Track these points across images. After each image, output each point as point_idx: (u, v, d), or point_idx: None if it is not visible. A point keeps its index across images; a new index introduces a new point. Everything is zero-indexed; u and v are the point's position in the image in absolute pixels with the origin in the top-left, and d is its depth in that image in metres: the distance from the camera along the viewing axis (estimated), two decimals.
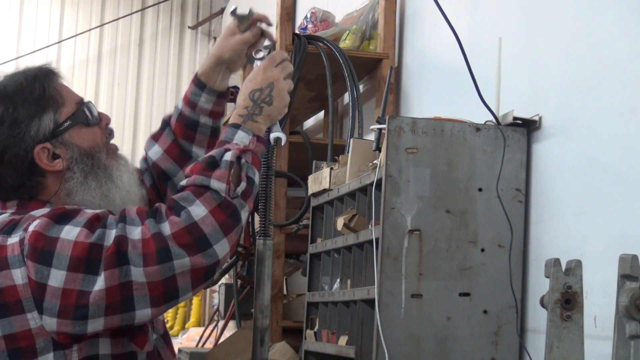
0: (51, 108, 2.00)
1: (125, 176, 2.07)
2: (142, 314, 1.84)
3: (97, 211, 1.90)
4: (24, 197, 2.01)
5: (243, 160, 1.92)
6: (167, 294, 1.83)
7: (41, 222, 1.85)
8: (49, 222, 1.84)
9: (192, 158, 2.27)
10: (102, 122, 2.10)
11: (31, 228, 1.85)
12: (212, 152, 1.94)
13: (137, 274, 1.80)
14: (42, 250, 1.82)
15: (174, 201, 1.86)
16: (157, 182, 2.32)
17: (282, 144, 2.10)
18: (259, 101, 2.04)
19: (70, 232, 1.83)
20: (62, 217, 1.86)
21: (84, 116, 2.05)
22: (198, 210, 1.84)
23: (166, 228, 1.82)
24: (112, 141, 2.14)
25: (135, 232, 1.82)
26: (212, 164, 1.90)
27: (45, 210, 1.91)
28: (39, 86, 2.01)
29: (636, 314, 1.92)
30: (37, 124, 1.98)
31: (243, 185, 1.90)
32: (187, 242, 1.81)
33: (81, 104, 2.06)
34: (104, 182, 2.04)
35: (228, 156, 1.91)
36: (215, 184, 1.87)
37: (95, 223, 1.85)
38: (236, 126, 2.00)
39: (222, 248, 1.85)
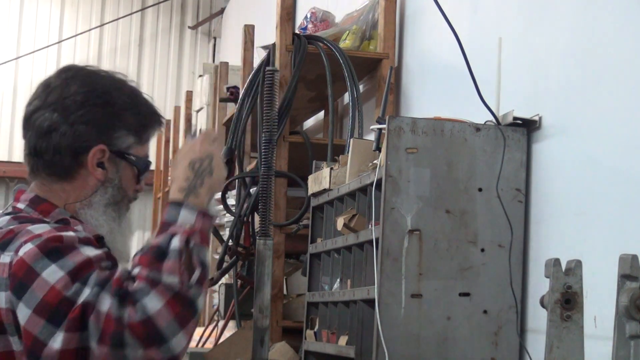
0: (138, 136, 2.08)
1: (124, 225, 2.11)
2: None
3: (92, 254, 1.86)
4: (51, 177, 2.03)
5: (192, 244, 1.85)
6: None
7: (31, 250, 1.83)
8: (38, 254, 1.83)
9: None
10: (139, 185, 2.14)
11: (21, 252, 1.84)
12: (159, 240, 1.85)
13: (94, 346, 1.77)
14: (20, 281, 1.82)
15: (133, 292, 1.79)
16: None
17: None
18: (200, 171, 1.96)
19: (52, 275, 1.80)
20: (53, 253, 1.83)
21: (143, 166, 2.11)
22: (152, 304, 1.77)
23: (125, 315, 1.77)
24: None
25: (104, 304, 1.77)
26: (160, 255, 1.82)
27: (44, 228, 1.90)
28: (148, 117, 2.11)
29: (636, 314, 1.92)
30: (122, 133, 2.05)
31: (197, 273, 1.84)
32: (143, 335, 1.76)
33: (147, 157, 2.13)
34: (118, 219, 2.08)
35: (176, 243, 1.83)
36: (167, 278, 1.80)
37: (81, 272, 1.81)
38: (178, 204, 1.91)
39: (178, 341, 1.80)
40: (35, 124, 2.05)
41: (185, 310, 1.80)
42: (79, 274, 1.80)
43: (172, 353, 1.80)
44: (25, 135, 2.09)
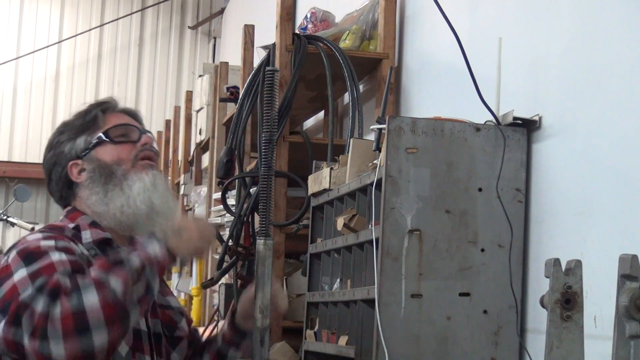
0: (88, 131, 2.33)
1: (138, 185, 2.27)
2: None
3: (57, 259, 2.05)
4: (68, 206, 2.34)
5: (148, 270, 2.03)
6: None
7: (14, 257, 2.08)
8: (17, 259, 2.07)
9: None
10: (139, 142, 2.34)
11: (9, 257, 2.08)
12: (122, 253, 2.07)
13: (26, 341, 1.94)
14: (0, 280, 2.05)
15: (74, 285, 1.97)
16: None
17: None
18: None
19: (19, 275, 2.03)
20: (28, 258, 2.06)
21: (113, 136, 2.32)
22: (91, 298, 1.95)
23: (56, 309, 1.94)
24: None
25: (39, 303, 1.95)
26: (117, 264, 2.02)
27: (34, 237, 2.15)
28: (87, 114, 2.36)
29: (636, 314, 1.92)
30: (72, 145, 2.33)
31: (140, 292, 2.01)
32: (69, 326, 1.92)
33: (115, 125, 2.34)
34: (111, 190, 2.28)
35: (135, 262, 2.02)
36: (114, 283, 1.98)
37: (39, 275, 2.01)
38: (154, 239, 2.10)
39: (102, 341, 1.95)
40: None
41: (118, 318, 1.95)
42: (37, 276, 2.00)
43: (91, 349, 1.93)
44: None
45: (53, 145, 2.37)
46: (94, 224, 2.28)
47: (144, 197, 2.26)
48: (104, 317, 1.94)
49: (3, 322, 1.97)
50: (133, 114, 2.44)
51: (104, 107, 2.38)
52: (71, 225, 2.27)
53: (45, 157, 2.39)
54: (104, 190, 2.28)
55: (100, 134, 2.32)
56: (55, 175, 2.35)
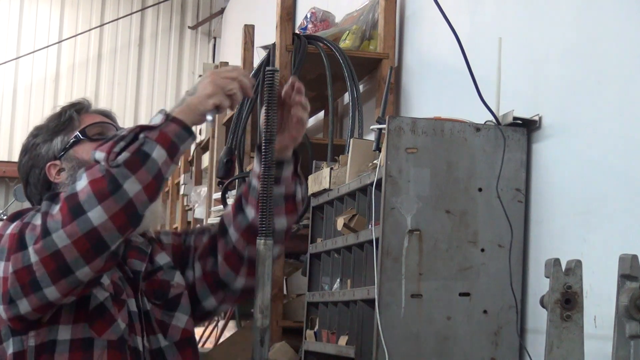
0: (64, 132, 2.29)
1: None
2: (50, 291, 1.95)
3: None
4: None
5: (141, 136, 1.96)
6: (60, 268, 1.93)
7: (3, 223, 2.10)
8: (5, 222, 2.08)
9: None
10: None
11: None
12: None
13: (32, 254, 1.94)
14: None
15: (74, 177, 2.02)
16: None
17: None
18: (184, 95, 2.09)
19: (9, 227, 2.03)
20: (17, 216, 2.08)
21: (90, 134, 2.28)
22: (81, 182, 1.94)
23: (56, 205, 1.95)
24: None
25: (39, 217, 1.97)
26: (109, 140, 1.99)
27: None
28: (61, 115, 2.32)
29: (636, 314, 1.92)
30: (49, 146, 2.29)
31: (126, 155, 1.94)
32: (64, 212, 1.92)
33: (94, 125, 2.30)
34: None
35: (124, 130, 2.00)
36: (98, 154, 1.96)
37: (26, 218, 2.03)
38: (159, 112, 2.05)
39: (96, 215, 1.91)
40: None
41: (106, 187, 1.91)
42: (24, 220, 2.03)
43: (90, 225, 1.91)
44: None
45: (28, 149, 2.34)
46: None
47: None
48: (92, 190, 1.90)
49: (9, 263, 1.97)
50: (107, 114, 2.39)
51: (77, 108, 2.35)
52: None
53: (20, 161, 2.37)
54: None
55: (77, 133, 2.29)
56: (34, 178, 2.31)
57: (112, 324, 2.09)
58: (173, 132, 1.99)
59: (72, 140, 2.27)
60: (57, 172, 2.27)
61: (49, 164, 2.28)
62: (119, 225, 1.93)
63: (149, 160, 1.95)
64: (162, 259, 2.30)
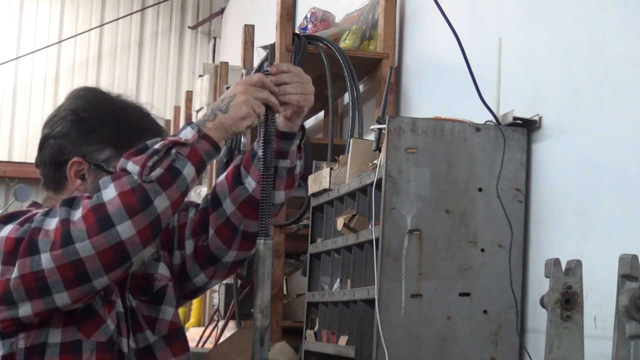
0: (117, 148, 2.12)
1: None
2: (61, 297, 1.92)
3: (45, 210, 1.98)
4: (45, 187, 2.19)
5: (173, 151, 1.93)
6: (78, 276, 1.90)
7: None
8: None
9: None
10: None
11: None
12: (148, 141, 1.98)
13: (46, 260, 1.89)
14: None
15: (97, 184, 1.93)
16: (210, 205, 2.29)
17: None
18: (215, 109, 2.04)
19: (5, 230, 1.96)
20: (10, 218, 2.00)
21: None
22: (109, 192, 1.88)
23: (77, 212, 1.89)
24: None
25: (52, 222, 1.91)
26: (141, 150, 1.93)
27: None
28: (128, 132, 2.15)
29: (636, 314, 1.92)
30: (98, 147, 2.13)
31: (159, 171, 1.90)
32: (90, 222, 1.87)
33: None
34: None
35: (157, 144, 1.93)
36: (130, 166, 1.90)
37: (25, 222, 1.96)
38: (188, 124, 2.01)
39: (125, 229, 1.87)
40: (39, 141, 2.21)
41: (137, 202, 1.88)
42: (27, 221, 1.96)
43: (117, 239, 1.88)
44: None
45: (75, 122, 2.14)
46: None
47: None
48: (122, 204, 1.86)
49: (15, 267, 1.91)
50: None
51: (142, 136, 2.18)
52: None
53: (54, 120, 2.16)
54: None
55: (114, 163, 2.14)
56: (52, 152, 2.15)
57: (101, 325, 2.07)
58: (203, 149, 1.97)
59: (112, 170, 2.09)
60: (76, 174, 2.13)
61: (77, 159, 2.13)
62: (144, 239, 1.92)
63: (180, 177, 1.93)
64: (146, 251, 2.23)
